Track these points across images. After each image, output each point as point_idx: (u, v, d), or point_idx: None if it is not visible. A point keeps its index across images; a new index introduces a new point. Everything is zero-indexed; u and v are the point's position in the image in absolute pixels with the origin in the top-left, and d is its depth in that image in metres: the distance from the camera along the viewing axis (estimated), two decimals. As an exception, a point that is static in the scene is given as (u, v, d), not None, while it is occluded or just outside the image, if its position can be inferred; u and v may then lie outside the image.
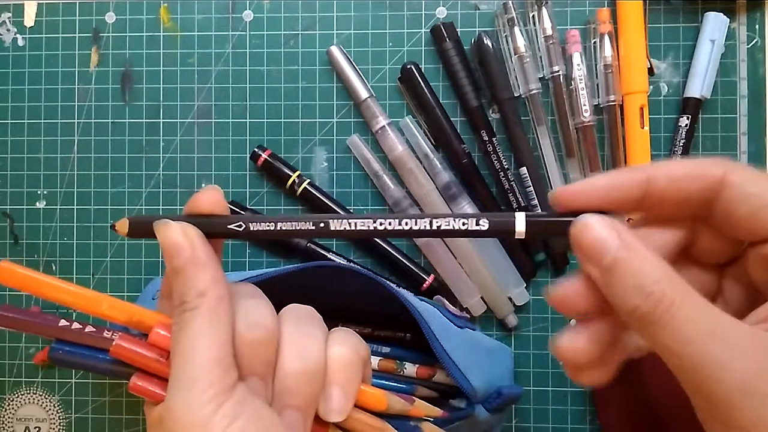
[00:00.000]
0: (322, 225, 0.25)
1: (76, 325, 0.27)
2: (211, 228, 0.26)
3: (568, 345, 0.24)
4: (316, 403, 0.26)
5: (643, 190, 0.23)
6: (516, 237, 0.24)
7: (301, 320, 0.27)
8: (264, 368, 0.26)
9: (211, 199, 0.26)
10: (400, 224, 0.25)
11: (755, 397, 0.20)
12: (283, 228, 0.25)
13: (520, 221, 0.24)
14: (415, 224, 0.25)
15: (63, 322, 0.27)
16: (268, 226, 0.25)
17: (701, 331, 0.20)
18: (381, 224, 0.25)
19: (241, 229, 0.25)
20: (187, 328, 0.24)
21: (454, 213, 0.25)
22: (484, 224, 0.24)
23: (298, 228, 0.25)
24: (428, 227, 0.24)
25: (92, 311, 0.26)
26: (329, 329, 0.35)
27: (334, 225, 0.25)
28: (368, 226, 0.25)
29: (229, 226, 0.26)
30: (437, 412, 0.34)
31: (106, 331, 0.27)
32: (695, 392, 0.21)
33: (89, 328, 0.27)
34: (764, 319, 0.22)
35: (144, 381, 0.26)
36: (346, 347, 0.27)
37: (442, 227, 0.24)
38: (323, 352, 0.27)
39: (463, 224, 0.24)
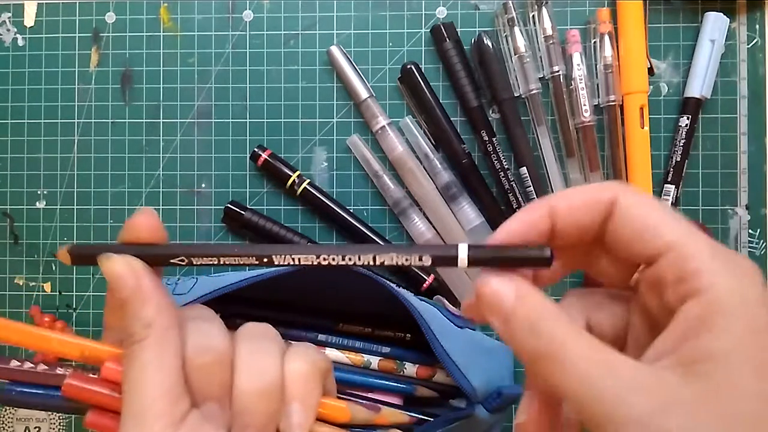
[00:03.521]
0: (265, 259, 0.25)
1: (28, 365, 0.27)
2: (152, 260, 0.26)
3: (526, 419, 0.25)
4: (276, 420, 0.26)
5: (551, 223, 0.24)
6: (459, 267, 0.25)
7: (255, 338, 0.27)
8: (219, 391, 0.26)
9: (147, 225, 0.26)
10: (343, 259, 0.25)
11: None
12: (226, 262, 0.26)
13: (462, 254, 0.24)
14: (359, 259, 0.25)
15: (14, 363, 0.27)
16: (211, 260, 0.26)
17: (596, 368, 0.21)
18: (324, 259, 0.25)
19: (184, 263, 0.26)
20: (135, 360, 0.24)
21: (397, 246, 0.26)
22: (427, 260, 0.25)
23: (240, 262, 0.26)
24: (371, 262, 0.25)
25: (42, 349, 0.26)
26: (329, 329, 0.35)
27: (278, 259, 0.25)
28: (311, 261, 0.25)
29: (172, 261, 0.26)
30: (404, 418, 0.33)
31: (59, 368, 0.27)
32: (597, 430, 0.21)
33: (41, 367, 0.27)
34: (660, 355, 0.21)
35: (99, 416, 0.26)
36: (302, 361, 0.27)
37: (386, 263, 0.25)
38: (279, 369, 0.26)
39: (406, 260, 0.25)
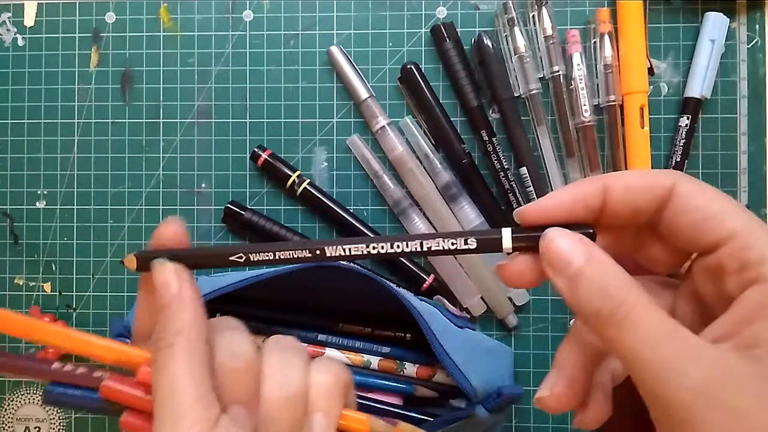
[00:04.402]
0: (318, 252, 0.27)
1: (68, 367, 0.28)
2: (212, 260, 0.27)
3: (549, 394, 0.25)
4: (300, 429, 0.27)
5: (603, 201, 0.24)
6: (504, 252, 0.25)
7: (282, 350, 0.28)
8: (247, 397, 0.26)
9: (172, 233, 0.27)
10: (392, 247, 0.26)
11: (713, 404, 0.20)
12: (281, 257, 0.27)
13: (507, 238, 0.25)
14: (407, 246, 0.26)
15: (56, 365, 0.28)
16: (267, 256, 0.27)
17: (660, 335, 0.21)
18: (374, 248, 0.26)
19: (242, 260, 0.27)
20: (166, 367, 0.25)
21: (442, 233, 0.26)
22: (472, 243, 0.26)
23: (295, 256, 0.27)
24: (419, 249, 0.26)
25: (82, 352, 0.27)
26: (329, 329, 0.34)
27: (329, 251, 0.26)
28: (362, 251, 0.26)
29: (231, 258, 0.27)
30: None
31: (96, 371, 0.28)
32: (653, 397, 0.21)
33: (80, 369, 0.28)
34: (716, 339, 0.22)
35: (134, 417, 0.27)
36: (327, 374, 0.28)
37: (432, 248, 0.26)
38: (305, 380, 0.27)
39: (452, 244, 0.26)
